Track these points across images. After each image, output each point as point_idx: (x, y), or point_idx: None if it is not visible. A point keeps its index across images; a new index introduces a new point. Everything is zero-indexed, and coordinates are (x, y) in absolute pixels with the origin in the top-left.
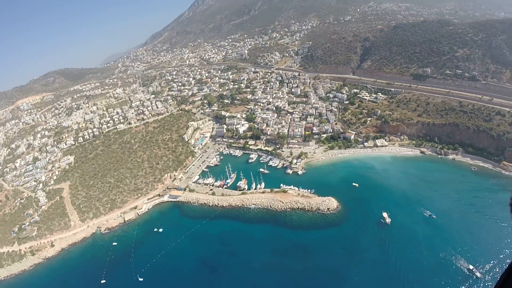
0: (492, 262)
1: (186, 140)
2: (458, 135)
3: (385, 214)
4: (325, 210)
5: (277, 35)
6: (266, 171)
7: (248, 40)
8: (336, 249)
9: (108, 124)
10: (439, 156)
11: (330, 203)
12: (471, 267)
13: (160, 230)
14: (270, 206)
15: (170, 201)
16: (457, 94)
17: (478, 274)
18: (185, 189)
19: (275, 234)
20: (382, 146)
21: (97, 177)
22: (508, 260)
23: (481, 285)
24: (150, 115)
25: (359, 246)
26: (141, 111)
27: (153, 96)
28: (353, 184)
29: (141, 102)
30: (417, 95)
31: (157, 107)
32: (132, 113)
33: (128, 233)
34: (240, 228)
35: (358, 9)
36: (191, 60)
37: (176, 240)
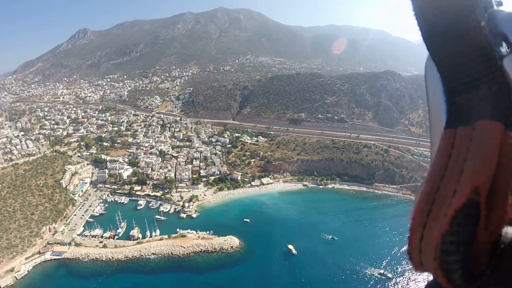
0: (394, 261)
1: (64, 186)
2: (334, 167)
3: (290, 246)
4: (228, 249)
5: (158, 79)
6: (162, 218)
7: (128, 81)
8: (248, 283)
9: None
10: (320, 187)
11: (232, 241)
12: (381, 271)
13: None
14: (172, 253)
15: (54, 258)
16: (329, 133)
17: (389, 275)
18: (70, 244)
19: (183, 281)
20: (268, 184)
21: None
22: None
23: (395, 281)
24: (19, 155)
25: (271, 276)
26: (9, 150)
27: (22, 133)
28: (245, 220)
29: (8, 139)
30: (295, 137)
31: (28, 147)
32: None
33: None
34: (143, 281)
35: (237, 60)
36: (65, 97)
37: None
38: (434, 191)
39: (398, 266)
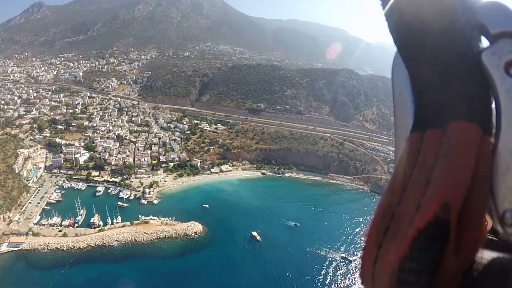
0: (353, 245)
1: (17, 171)
2: (291, 157)
3: (254, 233)
4: (193, 234)
5: (115, 60)
6: (125, 204)
7: (84, 62)
8: (215, 267)
9: None
10: (278, 175)
11: (196, 227)
12: (343, 254)
13: None
14: (135, 239)
15: (11, 250)
16: (287, 125)
17: (350, 258)
18: (27, 234)
19: (149, 268)
20: (227, 171)
21: None
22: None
23: (356, 264)
24: None
25: (236, 261)
26: None
27: None
28: (205, 206)
29: None
30: (253, 126)
31: None
32: None
33: None
34: (108, 270)
35: (197, 47)
36: (16, 75)
37: None
38: (393, 205)
39: (357, 250)
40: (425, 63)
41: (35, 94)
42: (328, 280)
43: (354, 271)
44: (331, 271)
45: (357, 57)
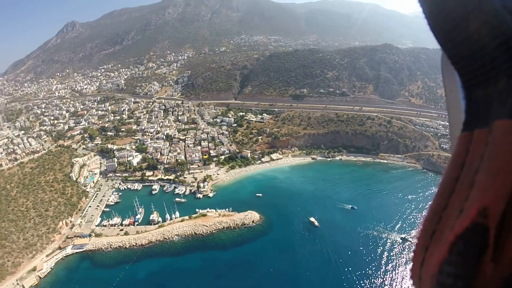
0: (413, 226)
1: (74, 179)
2: (340, 139)
3: (312, 219)
4: (250, 223)
5: (154, 65)
6: (183, 200)
7: (123, 70)
8: (275, 253)
9: None
10: (328, 159)
11: (253, 216)
12: (403, 235)
13: None
14: (195, 232)
15: (76, 252)
16: (332, 107)
17: (412, 239)
18: (90, 235)
19: (210, 258)
20: (277, 159)
21: None
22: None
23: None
24: (23, 154)
25: (295, 247)
26: (12, 150)
27: (22, 132)
28: (257, 194)
29: (9, 139)
30: (299, 112)
31: (31, 145)
32: (1, 153)
33: None
34: (170, 263)
35: (232, 41)
36: (61, 91)
37: None
38: (441, 208)
39: (418, 230)
40: (467, 56)
41: (81, 107)
42: (390, 263)
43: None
44: (393, 254)
45: (394, 30)
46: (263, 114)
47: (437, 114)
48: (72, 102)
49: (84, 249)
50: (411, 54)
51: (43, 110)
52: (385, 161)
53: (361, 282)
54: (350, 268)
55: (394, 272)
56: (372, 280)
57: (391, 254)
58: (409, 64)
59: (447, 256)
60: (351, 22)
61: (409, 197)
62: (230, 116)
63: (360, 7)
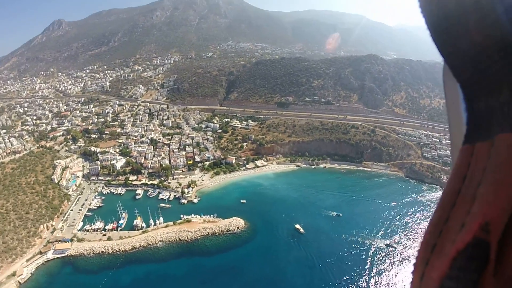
0: (397, 233)
1: (56, 181)
2: (324, 147)
3: (298, 226)
4: (235, 230)
5: (140, 67)
6: (167, 205)
7: (109, 72)
8: (260, 260)
9: None
10: (313, 167)
11: (238, 223)
12: (387, 242)
13: None
14: (180, 238)
15: (57, 257)
16: (317, 116)
17: (395, 246)
18: (72, 240)
19: (195, 264)
20: (262, 166)
21: None
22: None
23: (401, 254)
24: (4, 153)
25: (280, 254)
26: None
27: (4, 131)
28: (242, 201)
29: None
30: (284, 120)
31: (12, 144)
32: None
33: None
34: (155, 269)
35: (218, 47)
36: (44, 91)
37: None
38: (442, 221)
39: (402, 237)
40: (470, 68)
41: (65, 107)
42: (375, 269)
43: (399, 258)
44: (378, 260)
45: (379, 42)
46: (249, 120)
47: (419, 123)
48: (55, 102)
49: (66, 254)
50: (395, 65)
51: (26, 109)
52: (368, 169)
53: None
54: (336, 275)
55: (379, 278)
56: (359, 286)
57: (376, 260)
58: (393, 75)
59: (448, 271)
60: (336, 32)
61: (392, 204)
62: (216, 122)
63: (346, 18)
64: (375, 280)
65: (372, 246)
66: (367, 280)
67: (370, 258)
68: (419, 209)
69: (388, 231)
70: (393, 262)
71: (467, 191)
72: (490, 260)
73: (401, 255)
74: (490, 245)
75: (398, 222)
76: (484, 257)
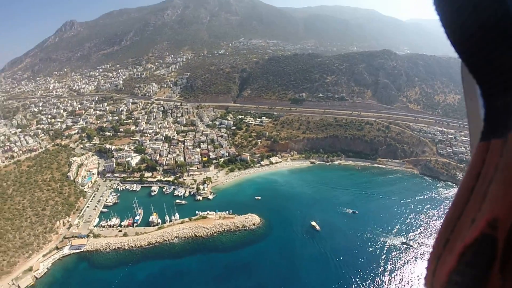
0: (413, 231)
1: (72, 178)
2: (338, 144)
3: (313, 223)
4: (251, 226)
5: (152, 66)
6: (183, 202)
7: (122, 70)
8: (276, 257)
9: None
10: (327, 164)
11: (253, 219)
12: (403, 240)
13: None
14: (195, 234)
15: (73, 253)
16: (331, 112)
17: (411, 243)
18: (88, 236)
19: (210, 261)
20: (277, 163)
21: None
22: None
23: (416, 252)
24: (20, 152)
25: (296, 249)
26: (8, 147)
27: (19, 130)
28: (256, 197)
29: (6, 137)
30: (298, 116)
31: (27, 143)
32: None
33: None
34: (170, 265)
35: (230, 44)
36: (58, 90)
37: None
38: (455, 218)
39: (416, 234)
40: (486, 65)
41: (79, 106)
42: (391, 267)
43: (414, 256)
44: (393, 257)
45: (392, 36)
46: (262, 117)
47: (434, 120)
48: (69, 101)
49: (82, 250)
50: (409, 60)
51: (41, 108)
52: (383, 166)
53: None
54: (351, 273)
55: (394, 276)
56: (374, 284)
57: (391, 258)
58: (407, 70)
59: (456, 265)
60: (349, 27)
61: (407, 201)
62: (229, 118)
63: (358, 13)
64: (390, 278)
65: (387, 243)
66: (382, 278)
67: (385, 256)
68: (434, 207)
69: (403, 228)
70: (408, 260)
71: (480, 189)
72: (496, 256)
73: (415, 252)
74: (497, 241)
75: (413, 220)
76: (491, 253)
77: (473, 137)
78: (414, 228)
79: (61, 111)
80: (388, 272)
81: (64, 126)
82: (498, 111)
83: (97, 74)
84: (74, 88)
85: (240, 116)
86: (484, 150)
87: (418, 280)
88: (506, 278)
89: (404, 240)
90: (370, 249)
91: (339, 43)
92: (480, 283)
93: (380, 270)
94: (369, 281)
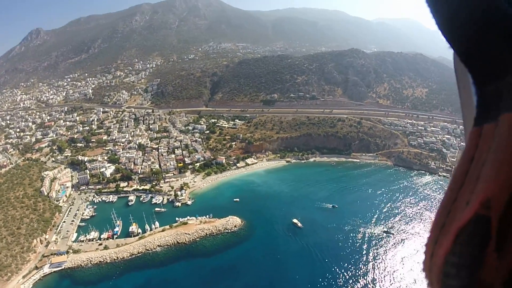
0: (393, 219)
1: (46, 193)
2: (312, 142)
3: (295, 220)
4: (233, 228)
5: (122, 73)
6: (162, 209)
7: (90, 79)
8: (260, 257)
9: None
10: (303, 161)
11: (235, 221)
12: (384, 228)
13: None
14: (178, 241)
15: (54, 271)
16: (303, 111)
17: (393, 232)
18: (68, 252)
19: (196, 266)
20: (253, 164)
21: None
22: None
23: (396, 239)
24: None
25: (280, 247)
26: None
27: None
28: (235, 199)
29: None
30: (271, 117)
31: None
32: None
33: None
34: (155, 274)
35: (200, 48)
36: (26, 102)
37: None
38: (451, 202)
39: (395, 222)
40: (477, 54)
41: (48, 117)
42: (373, 255)
43: (394, 242)
44: (375, 246)
45: (359, 36)
46: (235, 120)
47: (404, 113)
48: (38, 113)
49: (63, 267)
50: (377, 58)
51: (8, 122)
52: (357, 160)
53: (351, 280)
54: (337, 265)
55: (377, 263)
56: (366, 276)
57: (373, 246)
58: (375, 67)
59: (452, 247)
60: (317, 28)
61: (383, 191)
62: (202, 123)
63: (326, 14)
64: (373, 264)
65: (368, 233)
66: (366, 266)
67: (367, 245)
68: (409, 195)
69: (382, 217)
70: (389, 246)
71: (474, 172)
72: (491, 236)
73: (396, 239)
74: (491, 220)
75: (390, 209)
76: (486, 233)
77: (467, 124)
78: (392, 216)
79: (30, 123)
80: (372, 259)
81: (33, 139)
82: (489, 97)
83: (65, 83)
84: (42, 99)
85: (213, 120)
86: (477, 135)
87: (402, 264)
88: (502, 257)
89: (385, 229)
90: (353, 240)
91: (308, 44)
92: (476, 263)
93: (363, 258)
94: (354, 270)
